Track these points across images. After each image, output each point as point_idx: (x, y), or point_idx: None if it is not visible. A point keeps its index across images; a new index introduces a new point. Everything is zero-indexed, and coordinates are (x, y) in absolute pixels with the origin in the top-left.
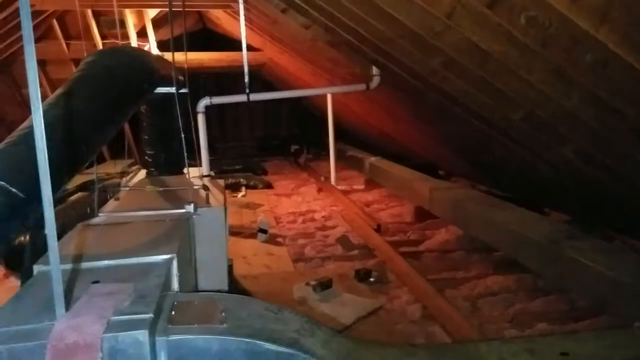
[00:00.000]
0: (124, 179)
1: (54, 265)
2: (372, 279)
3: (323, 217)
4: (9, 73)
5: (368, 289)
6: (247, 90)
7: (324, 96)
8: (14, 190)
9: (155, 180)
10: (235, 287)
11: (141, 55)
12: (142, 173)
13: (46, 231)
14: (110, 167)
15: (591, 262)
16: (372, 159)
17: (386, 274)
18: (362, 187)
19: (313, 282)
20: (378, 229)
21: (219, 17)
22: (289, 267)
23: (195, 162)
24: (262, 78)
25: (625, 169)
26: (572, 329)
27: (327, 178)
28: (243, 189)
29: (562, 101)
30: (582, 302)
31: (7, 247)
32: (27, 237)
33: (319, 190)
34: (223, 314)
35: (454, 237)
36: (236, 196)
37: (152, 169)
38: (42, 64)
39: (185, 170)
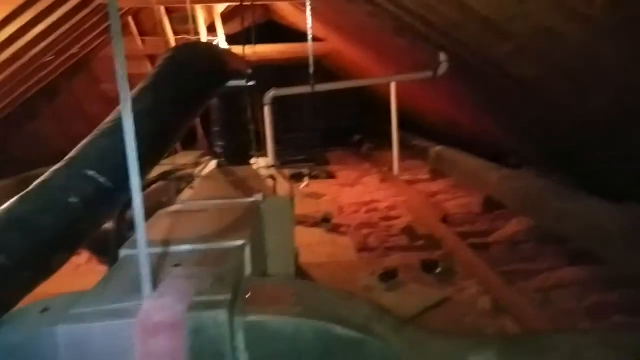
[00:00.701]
0: (197, 169)
1: (142, 250)
2: (438, 270)
3: (386, 207)
4: (88, 69)
5: (435, 280)
6: (312, 82)
7: (388, 85)
8: (102, 179)
9: (225, 171)
10: (300, 274)
11: (214, 50)
12: (213, 164)
13: (134, 218)
14: (182, 159)
15: None
16: (437, 148)
17: (453, 265)
18: (426, 177)
19: (378, 272)
20: (444, 220)
21: (284, 9)
22: (353, 257)
23: (261, 152)
24: (325, 68)
25: None
26: None
27: (390, 168)
28: (306, 179)
29: None
30: None
31: (95, 233)
32: (113, 224)
33: (382, 180)
34: (295, 298)
35: (524, 228)
36: (299, 186)
37: (222, 160)
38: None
39: (252, 161)
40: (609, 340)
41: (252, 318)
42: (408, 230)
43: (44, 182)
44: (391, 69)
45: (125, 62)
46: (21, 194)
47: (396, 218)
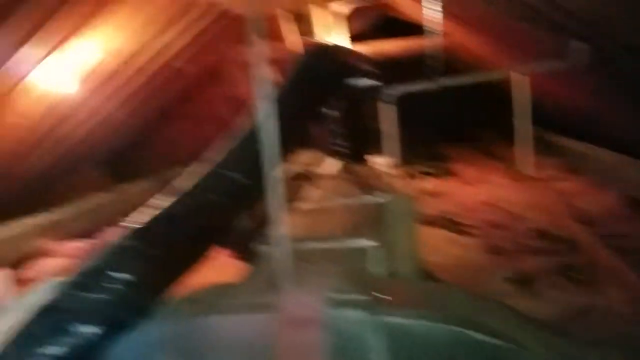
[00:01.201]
0: (319, 168)
1: (282, 247)
2: (579, 276)
3: (518, 207)
4: (221, 75)
5: (574, 286)
6: (436, 77)
7: (517, 77)
8: (241, 179)
9: (348, 170)
10: (425, 276)
11: (342, 51)
12: (335, 163)
13: (273, 216)
14: (304, 158)
15: None
16: (576, 144)
17: (595, 271)
18: (561, 174)
19: (510, 276)
20: (582, 221)
21: (404, 4)
22: (480, 258)
23: (382, 151)
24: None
25: None
26: None
27: (520, 165)
28: (425, 177)
29: None
30: None
31: (233, 230)
32: (249, 220)
33: (511, 178)
34: (432, 300)
35: None
36: (418, 185)
37: (344, 159)
38: (248, 64)
39: (373, 160)
40: None
41: (391, 319)
42: (542, 232)
43: (190, 181)
44: (521, 60)
45: (264, 67)
46: (170, 192)
47: (528, 219)
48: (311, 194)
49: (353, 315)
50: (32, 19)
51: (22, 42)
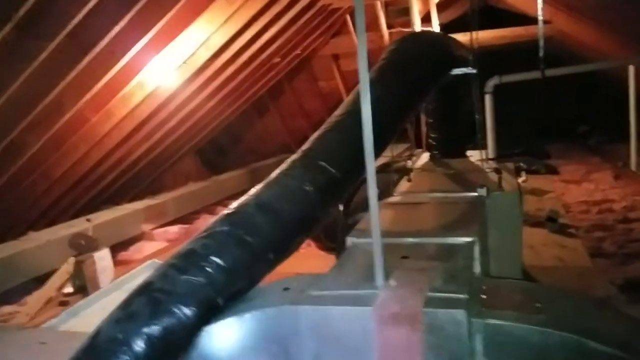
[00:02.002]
0: (411, 161)
1: (376, 239)
2: None
3: (624, 207)
4: (308, 68)
5: None
6: (542, 66)
7: (623, 70)
8: (332, 170)
9: (441, 163)
10: (524, 278)
11: (438, 38)
12: (426, 156)
13: (369, 208)
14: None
15: None
16: None
17: None
18: None
19: (619, 281)
20: None
21: None
22: (585, 262)
23: (478, 144)
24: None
25: None
26: None
27: (627, 163)
28: (523, 173)
29: None
30: None
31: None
32: (340, 212)
33: (616, 177)
34: (538, 304)
35: None
36: (521, 182)
37: (435, 152)
38: (335, 57)
39: (468, 153)
40: None
41: (493, 321)
42: None
43: (283, 171)
44: (632, 49)
45: (366, 58)
46: (265, 181)
47: (637, 220)
48: (407, 188)
49: (454, 315)
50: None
51: (137, 39)
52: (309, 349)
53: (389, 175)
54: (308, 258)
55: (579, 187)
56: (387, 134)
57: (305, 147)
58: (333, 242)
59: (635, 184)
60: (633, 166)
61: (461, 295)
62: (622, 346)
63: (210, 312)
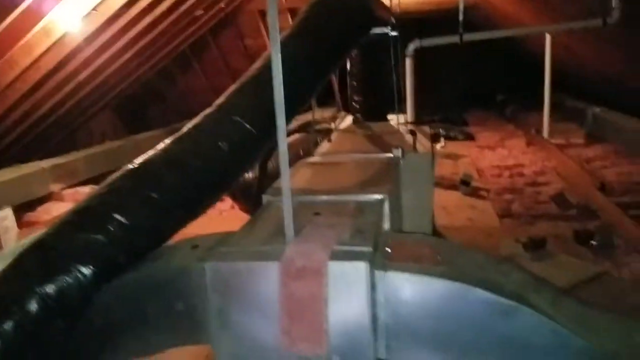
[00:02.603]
0: (334, 123)
1: (286, 195)
2: (594, 242)
3: (534, 172)
4: (234, 24)
5: (589, 252)
6: (461, 30)
7: (540, 39)
8: (248, 126)
9: (362, 125)
10: (438, 236)
11: None
12: (349, 119)
13: (279, 165)
14: (318, 114)
15: None
16: (596, 109)
17: (612, 238)
18: (581, 141)
19: (523, 239)
20: (602, 188)
21: None
22: (494, 222)
23: (399, 109)
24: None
25: None
26: None
27: (539, 130)
28: (442, 139)
29: None
30: None
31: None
32: (256, 171)
33: (529, 143)
34: (439, 257)
35: None
36: (438, 145)
37: (358, 115)
38: (262, 14)
39: (389, 117)
40: None
41: (394, 273)
42: (558, 198)
43: (195, 126)
44: (550, 18)
45: (277, 15)
46: (175, 135)
47: (545, 184)
48: (327, 148)
49: (357, 267)
50: None
51: None
52: (215, 305)
53: (311, 136)
54: (231, 220)
55: (493, 153)
56: (303, 91)
57: (219, 101)
58: (250, 202)
59: (545, 150)
60: (545, 133)
61: (365, 249)
62: (516, 296)
63: (111, 271)
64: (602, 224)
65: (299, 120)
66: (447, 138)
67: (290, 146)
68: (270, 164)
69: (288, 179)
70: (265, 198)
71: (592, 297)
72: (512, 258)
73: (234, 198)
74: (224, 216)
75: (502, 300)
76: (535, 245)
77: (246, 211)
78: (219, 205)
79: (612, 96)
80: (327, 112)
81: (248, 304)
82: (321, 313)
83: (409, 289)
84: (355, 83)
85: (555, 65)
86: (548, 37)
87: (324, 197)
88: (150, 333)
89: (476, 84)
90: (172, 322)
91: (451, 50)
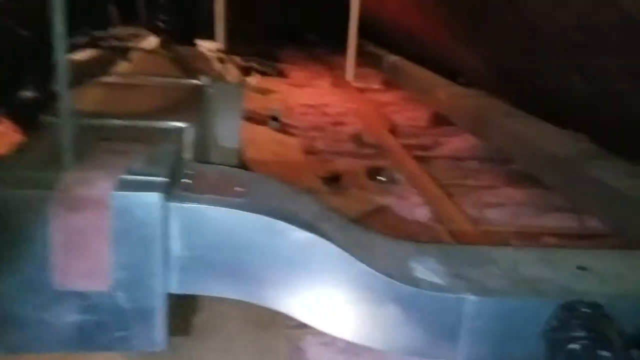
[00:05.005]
0: (136, 43)
1: (64, 114)
2: (382, 178)
3: (337, 112)
4: None
5: (377, 187)
6: None
7: None
8: (23, 32)
9: (168, 48)
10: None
11: None
12: (154, 39)
13: (58, 78)
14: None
15: (614, 183)
16: (392, 58)
17: (397, 175)
18: (379, 86)
19: (324, 175)
20: (392, 131)
21: None
22: (299, 158)
23: (209, 34)
24: None
25: None
26: (580, 247)
27: (343, 73)
28: (255, 73)
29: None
30: (594, 222)
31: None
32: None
33: (334, 85)
34: (239, 188)
35: (468, 146)
36: (248, 79)
37: (165, 37)
38: None
39: (198, 42)
40: (547, 256)
41: (189, 205)
42: (356, 138)
43: None
44: None
45: None
46: None
47: (345, 124)
48: (125, 69)
49: (147, 198)
50: None
51: None
52: None
53: (105, 54)
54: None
55: (302, 91)
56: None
57: None
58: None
59: (348, 92)
60: (348, 76)
61: (159, 179)
62: (309, 226)
63: None
64: (389, 162)
65: (95, 36)
66: (260, 73)
67: (79, 63)
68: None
69: (69, 96)
70: (44, 119)
71: (376, 226)
72: (312, 191)
73: (10, 117)
74: None
75: (299, 230)
76: (332, 180)
77: (17, 129)
78: None
79: (408, 47)
80: (130, 31)
81: (18, 237)
82: (103, 247)
83: (207, 221)
84: (162, 1)
85: (362, 11)
86: None
87: (117, 122)
88: None
89: (289, 21)
90: None
91: None
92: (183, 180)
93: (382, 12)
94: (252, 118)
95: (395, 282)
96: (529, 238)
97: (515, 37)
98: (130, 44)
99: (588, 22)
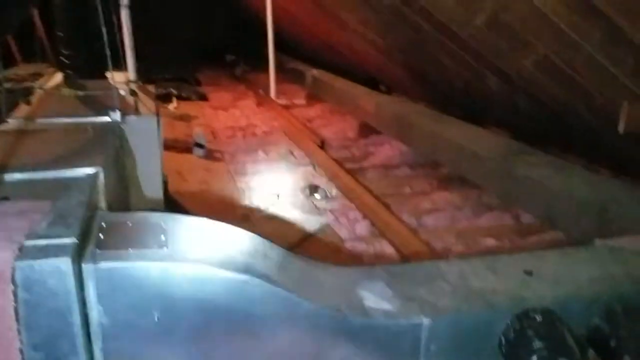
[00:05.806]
0: (38, 82)
1: None
2: (318, 196)
3: (264, 132)
4: None
5: (314, 205)
6: None
7: (263, 1)
8: None
9: (73, 85)
10: (171, 205)
11: None
12: (59, 76)
13: None
14: (22, 70)
15: (542, 178)
16: (314, 71)
17: (332, 191)
18: (303, 101)
19: (257, 200)
20: (322, 146)
21: None
22: (229, 183)
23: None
24: None
25: (591, 81)
26: (520, 246)
27: (267, 91)
28: (174, 99)
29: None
30: (528, 218)
31: None
32: None
33: (259, 104)
34: (162, 236)
35: (397, 153)
36: (166, 107)
37: (70, 72)
38: None
39: (108, 75)
40: (493, 265)
41: (106, 264)
42: (288, 156)
43: None
44: None
45: None
46: None
47: (274, 144)
48: (25, 113)
49: (56, 264)
50: None
51: None
52: None
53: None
54: None
55: (226, 114)
56: None
57: None
58: None
59: (274, 110)
60: (272, 94)
61: (68, 240)
62: (245, 270)
63: None
64: (323, 178)
65: None
66: (180, 98)
67: None
68: None
69: None
70: None
71: (318, 247)
72: (247, 218)
73: None
74: None
75: (233, 275)
76: (268, 203)
77: None
78: None
79: (327, 59)
80: (32, 69)
81: None
82: (9, 329)
83: (127, 279)
84: (62, 34)
85: (279, 27)
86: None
87: (16, 176)
88: None
89: (206, 42)
90: None
91: (178, 7)
92: (98, 235)
93: (298, 26)
94: (175, 147)
95: (345, 315)
96: (469, 241)
97: (430, 41)
98: (31, 84)
99: (499, 20)
